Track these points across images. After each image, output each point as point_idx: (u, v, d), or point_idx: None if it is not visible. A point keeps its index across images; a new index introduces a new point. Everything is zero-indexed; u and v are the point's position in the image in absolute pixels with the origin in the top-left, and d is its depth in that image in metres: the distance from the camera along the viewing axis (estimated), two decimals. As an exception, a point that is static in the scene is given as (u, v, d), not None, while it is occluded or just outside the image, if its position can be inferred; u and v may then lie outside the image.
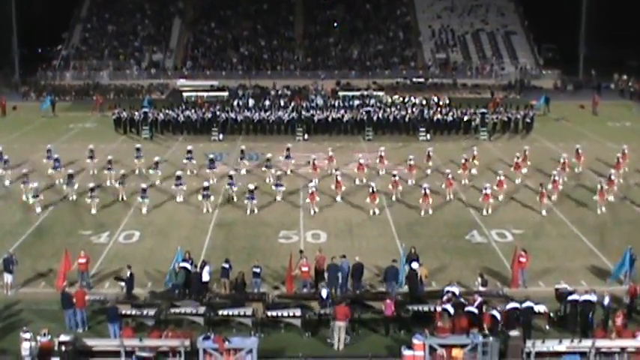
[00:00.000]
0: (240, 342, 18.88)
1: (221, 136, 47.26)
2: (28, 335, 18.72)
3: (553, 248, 27.78)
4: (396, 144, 45.04)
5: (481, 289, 22.43)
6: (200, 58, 75.84)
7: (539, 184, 32.85)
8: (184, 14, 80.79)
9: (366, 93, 58.78)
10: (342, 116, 48.73)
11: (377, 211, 31.55)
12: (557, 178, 33.81)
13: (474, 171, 37.29)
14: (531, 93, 65.71)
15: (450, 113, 48.79)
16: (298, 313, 21.00)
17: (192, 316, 21.23)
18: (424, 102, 53.51)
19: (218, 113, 48.79)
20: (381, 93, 59.49)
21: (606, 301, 21.11)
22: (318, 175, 36.37)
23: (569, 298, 21.43)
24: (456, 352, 18.57)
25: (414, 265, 23.33)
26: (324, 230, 29.61)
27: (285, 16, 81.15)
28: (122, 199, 33.33)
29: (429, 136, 46.93)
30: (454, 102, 54.04)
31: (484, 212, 31.47)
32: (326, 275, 23.36)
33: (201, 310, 21.19)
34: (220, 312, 21.14)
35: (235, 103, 53.71)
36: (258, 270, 23.57)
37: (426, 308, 21.32)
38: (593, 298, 21.00)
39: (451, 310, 20.15)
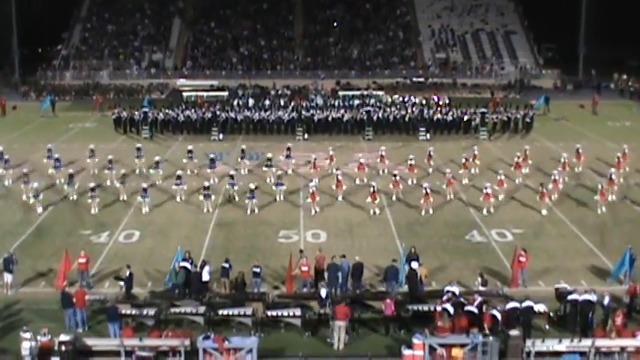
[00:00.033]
0: (240, 342, 18.89)
1: (221, 136, 47.27)
2: (28, 335, 18.73)
3: (553, 248, 27.79)
4: (396, 144, 45.04)
5: (481, 288, 22.43)
6: (200, 58, 75.85)
7: (539, 184, 32.84)
8: (184, 14, 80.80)
9: (365, 93, 58.77)
10: (342, 116, 48.74)
11: (377, 211, 31.56)
12: (557, 177, 33.83)
13: (474, 170, 37.29)
14: (531, 93, 65.72)
15: (450, 113, 48.82)
16: (298, 312, 21.00)
17: (192, 315, 21.22)
18: (424, 102, 53.54)
19: (218, 113, 48.81)
20: (380, 93, 59.47)
21: (606, 300, 21.12)
22: (318, 174, 36.39)
23: (569, 297, 21.43)
24: (455, 351, 18.58)
25: (414, 264, 23.33)
26: (324, 230, 29.61)
27: (285, 15, 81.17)
28: (123, 199, 33.34)
29: (428, 135, 46.93)
30: (454, 102, 54.08)
31: (485, 212, 31.46)
32: (326, 275, 23.36)
33: (201, 309, 21.19)
34: (220, 312, 21.14)
35: (235, 102, 53.72)
36: (258, 270, 23.57)
37: (425, 308, 21.32)
38: (592, 297, 20.99)
39: (451, 310, 20.15)
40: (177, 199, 33.43)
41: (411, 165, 36.21)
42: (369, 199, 31.45)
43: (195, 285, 22.77)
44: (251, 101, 54.23)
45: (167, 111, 49.65)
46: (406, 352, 18.71)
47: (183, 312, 21.33)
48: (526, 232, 29.49)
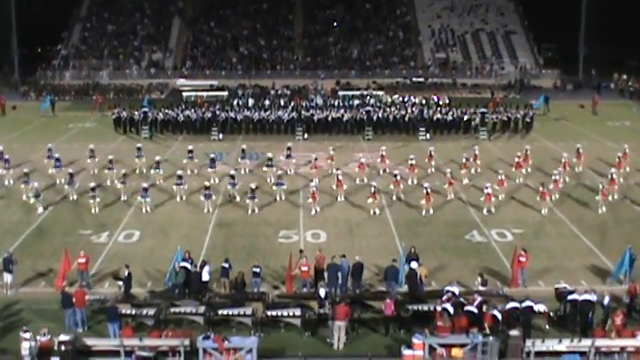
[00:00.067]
0: (240, 341, 18.89)
1: (221, 136, 47.27)
2: (27, 335, 18.72)
3: (553, 248, 27.78)
4: (396, 144, 45.03)
5: (481, 288, 22.43)
6: (200, 58, 75.85)
7: (539, 184, 32.85)
8: (184, 14, 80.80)
9: (365, 93, 58.70)
10: (342, 116, 48.72)
11: (377, 211, 31.56)
12: (557, 177, 33.82)
13: (474, 170, 37.28)
14: (531, 92, 65.73)
15: (450, 113, 48.81)
16: (298, 312, 21.00)
17: (192, 315, 21.22)
18: (424, 102, 53.54)
19: (218, 113, 48.80)
20: (380, 93, 59.42)
21: (606, 300, 21.12)
22: (318, 174, 36.38)
23: (569, 297, 21.44)
24: (455, 351, 18.58)
25: (414, 264, 23.34)
26: (324, 230, 29.61)
27: (285, 15, 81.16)
28: (124, 199, 33.32)
29: (428, 135, 46.92)
30: (454, 102, 54.05)
31: (485, 211, 31.46)
32: (326, 275, 23.36)
33: (201, 309, 21.20)
34: (220, 312, 21.14)
35: (235, 102, 53.69)
36: (257, 270, 23.57)
37: (425, 308, 21.32)
38: (592, 297, 20.99)
39: (451, 310, 20.16)
40: (178, 198, 33.44)
41: (411, 165, 36.22)
42: (370, 199, 31.45)
43: (195, 285, 22.77)
44: (251, 101, 54.19)
45: (167, 111, 49.62)
46: (406, 352, 18.71)
47: (183, 312, 21.33)
48: (526, 232, 29.49)
